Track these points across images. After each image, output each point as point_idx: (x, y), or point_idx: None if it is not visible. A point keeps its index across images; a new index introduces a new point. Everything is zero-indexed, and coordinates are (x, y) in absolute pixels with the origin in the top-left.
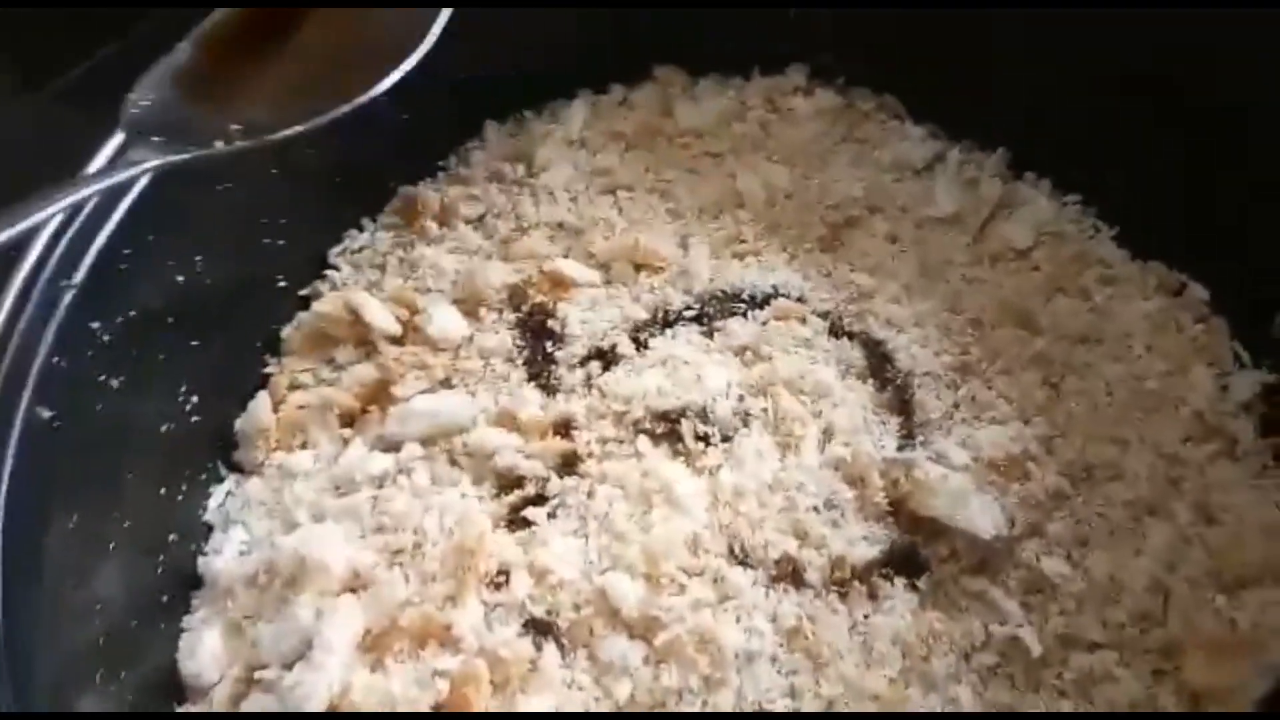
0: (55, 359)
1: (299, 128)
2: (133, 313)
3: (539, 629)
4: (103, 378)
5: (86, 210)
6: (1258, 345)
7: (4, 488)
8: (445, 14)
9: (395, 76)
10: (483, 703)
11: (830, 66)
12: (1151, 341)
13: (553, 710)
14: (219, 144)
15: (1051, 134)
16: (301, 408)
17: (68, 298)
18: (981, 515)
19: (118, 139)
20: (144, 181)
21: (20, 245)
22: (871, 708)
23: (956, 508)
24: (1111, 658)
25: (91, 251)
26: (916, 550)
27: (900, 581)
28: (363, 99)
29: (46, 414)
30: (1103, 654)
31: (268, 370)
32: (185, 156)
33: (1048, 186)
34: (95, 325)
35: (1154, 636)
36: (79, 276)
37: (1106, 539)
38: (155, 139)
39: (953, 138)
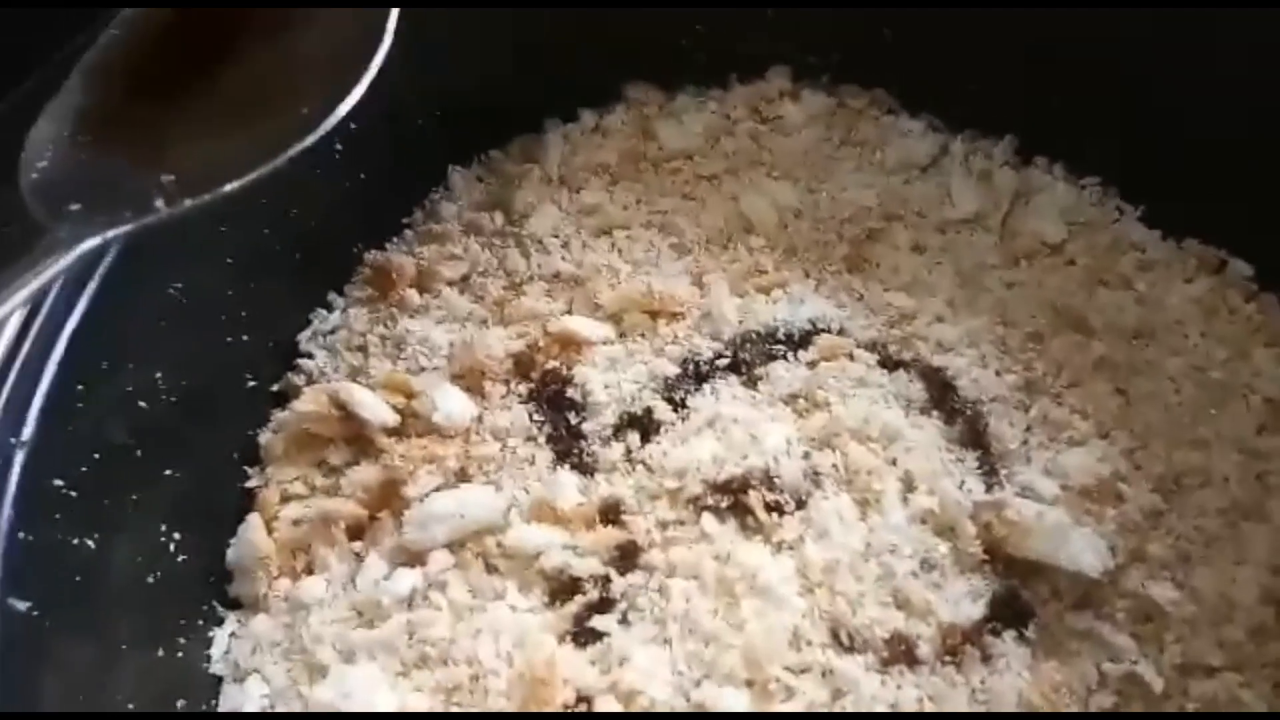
0: (20, 534)
1: (252, 174)
2: (96, 455)
3: None
4: (75, 541)
5: (24, 349)
6: None
7: None
8: (395, 14)
9: (357, 92)
10: None
11: (813, 65)
12: (1205, 328)
13: None
14: (159, 204)
15: (1057, 113)
16: (298, 523)
17: (20, 458)
18: (1085, 551)
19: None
20: (83, 304)
21: None
22: None
23: (1058, 546)
24: (1234, 680)
25: (38, 397)
26: (1018, 595)
27: (1009, 634)
28: (325, 125)
29: (21, 606)
30: (1224, 677)
31: (251, 484)
32: (124, 228)
33: (1062, 170)
34: (58, 483)
35: (1272, 650)
36: (28, 431)
37: (1207, 553)
38: (73, 207)
39: (953, 128)
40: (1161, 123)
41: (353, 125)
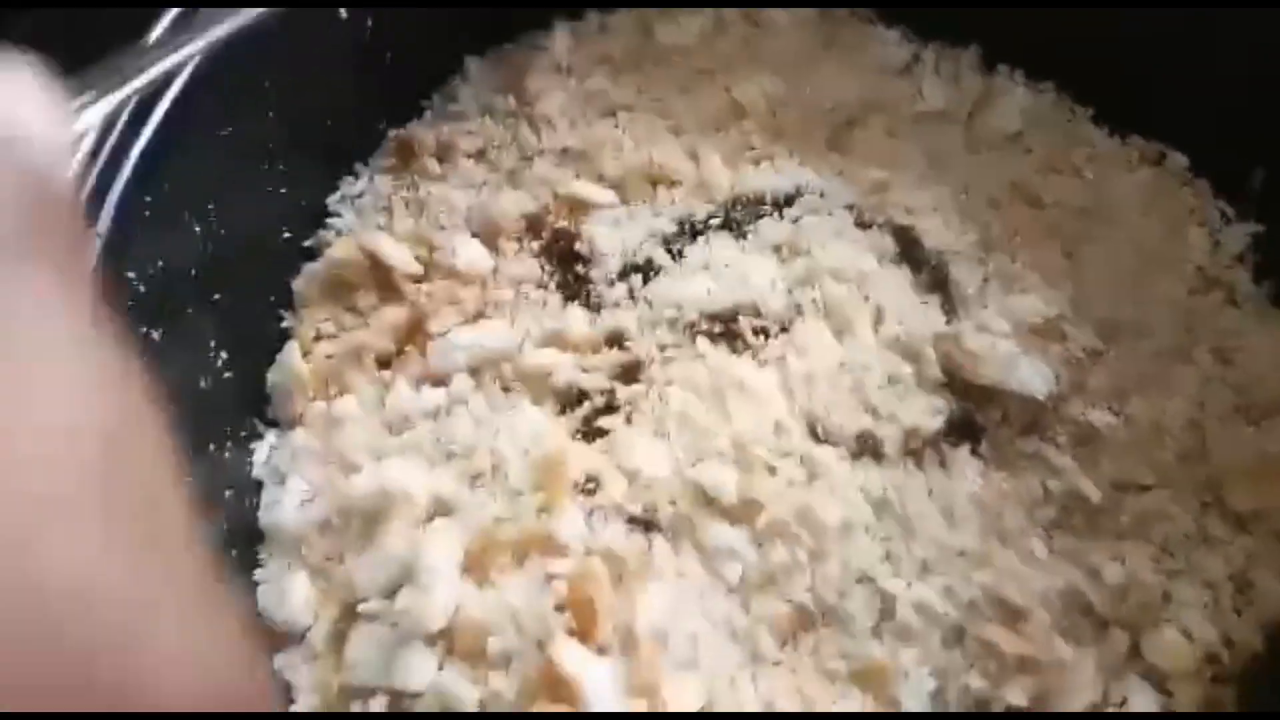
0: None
1: None
2: (160, 263)
3: (642, 526)
4: (144, 329)
5: (102, 158)
6: (1240, 201)
7: None
8: None
9: None
10: (605, 598)
11: None
12: (1145, 208)
13: (669, 599)
14: None
15: (1017, 29)
16: (330, 357)
17: (98, 245)
18: (1032, 376)
19: None
20: (151, 125)
21: None
22: (960, 564)
23: (1008, 372)
24: (1163, 496)
25: (112, 200)
26: (973, 416)
27: (964, 448)
28: None
29: None
30: (1155, 493)
31: (285, 324)
32: None
33: (1022, 77)
34: (130, 275)
35: (1197, 472)
36: (104, 226)
37: (1141, 388)
38: None
39: (924, 39)
40: (1109, 33)
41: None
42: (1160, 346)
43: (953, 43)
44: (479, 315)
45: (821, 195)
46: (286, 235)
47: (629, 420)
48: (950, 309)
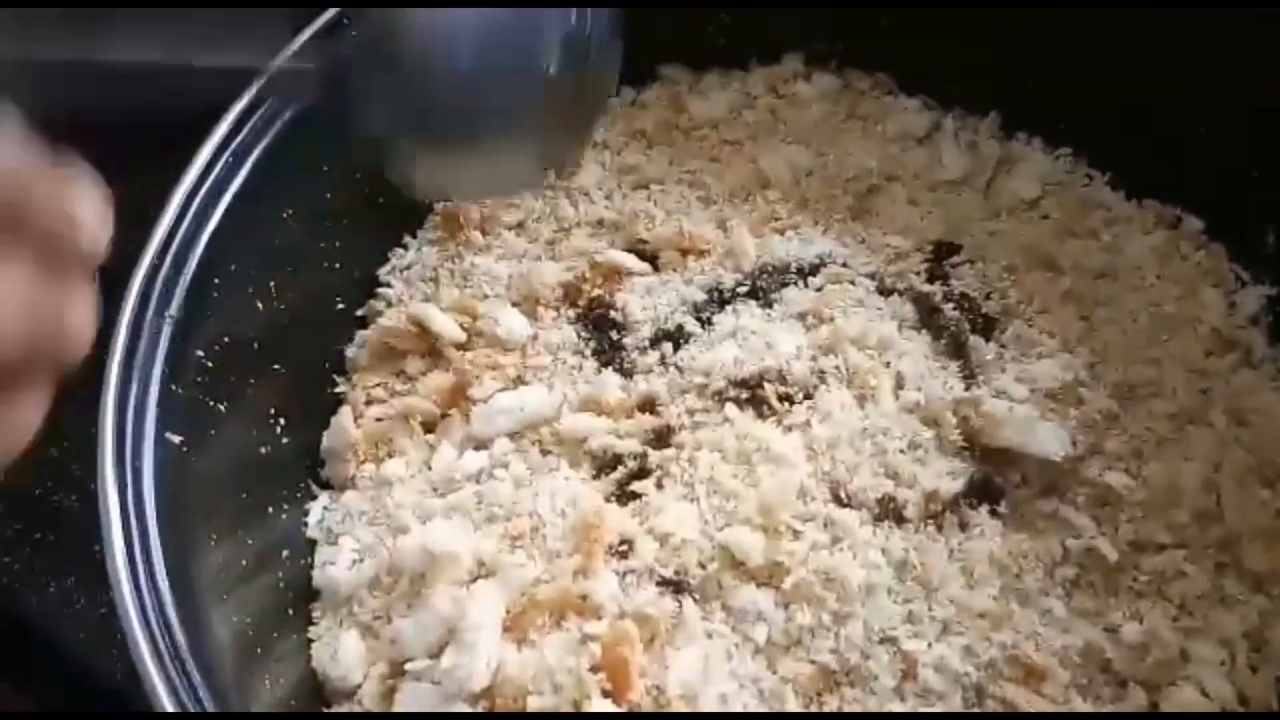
0: (171, 386)
1: None
2: (226, 338)
3: (672, 588)
4: (211, 403)
5: (175, 243)
6: (1255, 264)
7: (154, 513)
8: None
9: None
10: (637, 659)
11: (823, 52)
12: (1161, 271)
13: (699, 660)
14: None
15: (1036, 96)
16: (380, 420)
17: (169, 329)
18: (1049, 440)
19: None
20: (219, 212)
21: (120, 282)
22: (981, 625)
23: (1026, 435)
24: (1179, 556)
25: (184, 282)
26: (992, 479)
27: (984, 509)
28: None
29: (176, 439)
30: (1170, 553)
31: (339, 390)
32: None
33: (1040, 144)
34: (199, 353)
35: (1213, 533)
36: (175, 308)
37: (1157, 450)
38: None
39: (944, 107)
40: (1126, 100)
41: None
42: (1176, 408)
43: (972, 110)
44: (519, 380)
45: (844, 264)
46: (340, 305)
47: (660, 484)
48: (969, 374)
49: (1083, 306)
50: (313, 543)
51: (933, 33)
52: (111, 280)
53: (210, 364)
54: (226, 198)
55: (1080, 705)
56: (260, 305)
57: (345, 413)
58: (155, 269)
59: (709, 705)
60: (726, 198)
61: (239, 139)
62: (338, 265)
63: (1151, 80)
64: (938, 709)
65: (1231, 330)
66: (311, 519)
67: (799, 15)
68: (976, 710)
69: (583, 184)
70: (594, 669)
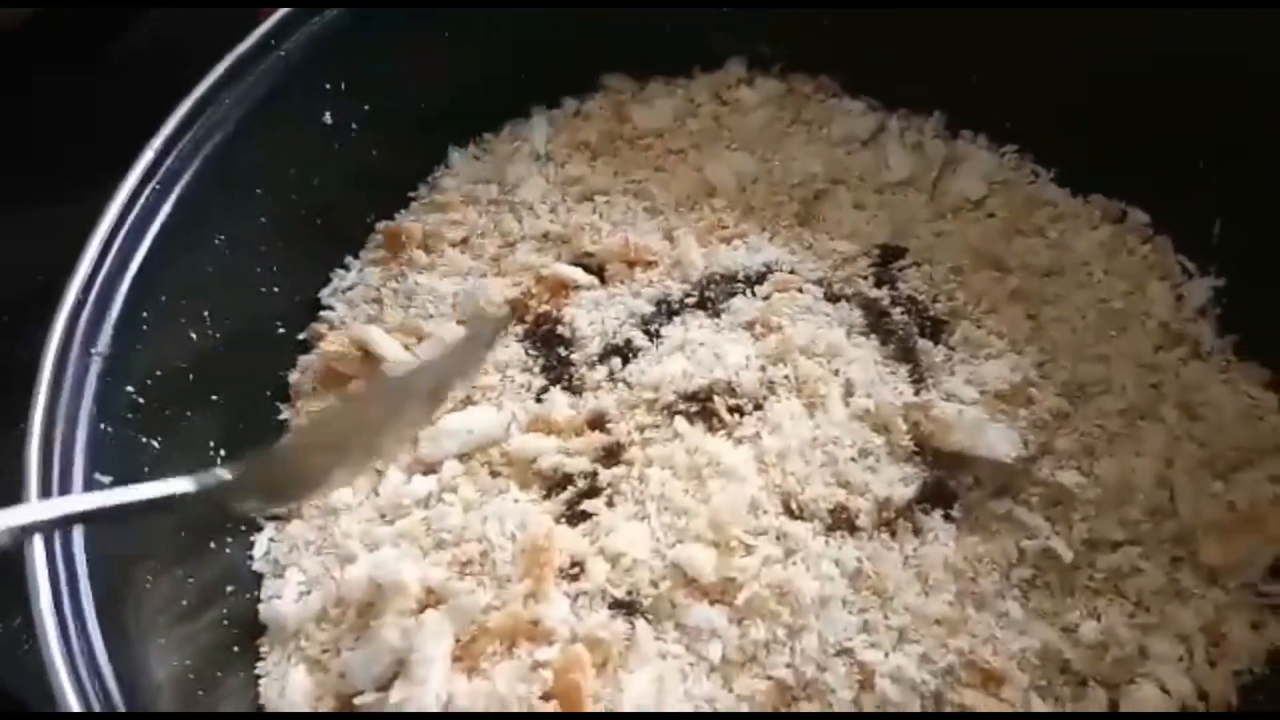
0: (101, 425)
1: None
2: (159, 372)
3: (625, 609)
4: (145, 439)
5: (100, 277)
6: (1201, 255)
7: (83, 557)
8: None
9: None
10: (589, 684)
11: (766, 56)
12: (1108, 266)
13: (652, 682)
14: None
15: (980, 93)
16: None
17: (97, 366)
18: (999, 441)
19: None
20: (147, 243)
21: (43, 318)
22: (938, 631)
23: (976, 438)
24: (1134, 552)
25: (111, 318)
26: (945, 482)
27: (937, 513)
28: None
29: (107, 480)
30: (1125, 550)
31: (283, 417)
32: None
33: (985, 141)
34: (129, 389)
35: (1167, 528)
36: (104, 344)
37: (1109, 447)
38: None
39: (889, 107)
40: (1070, 96)
41: (366, 107)
42: (1126, 404)
43: (916, 110)
44: (467, 401)
45: (791, 271)
46: (281, 330)
47: (610, 502)
48: (919, 378)
49: (1030, 305)
50: (259, 576)
51: (875, 33)
52: (35, 316)
53: (142, 399)
54: (154, 226)
55: (1040, 707)
56: (194, 335)
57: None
58: (80, 304)
59: None
60: (673, 207)
61: (165, 166)
62: (276, 289)
63: (1093, 75)
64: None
65: (1180, 323)
66: (257, 551)
67: (740, 18)
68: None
69: (526, 197)
70: (546, 696)
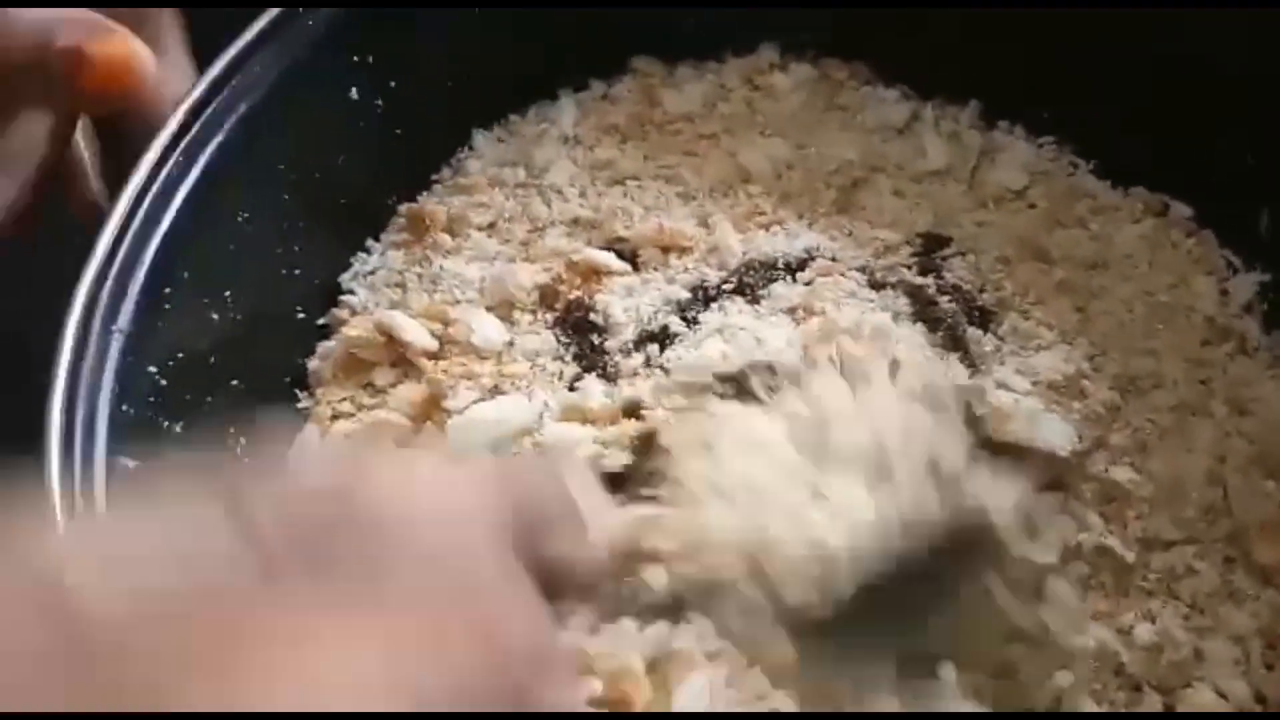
0: (122, 406)
1: None
2: (180, 354)
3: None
4: (165, 423)
5: (123, 251)
6: (1246, 250)
7: None
8: None
9: None
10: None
11: (799, 42)
12: (1151, 259)
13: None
14: None
15: (1016, 84)
16: (349, 437)
17: (118, 343)
18: (1056, 433)
19: None
20: (168, 218)
21: (63, 294)
22: None
23: (1033, 429)
24: (1189, 552)
25: (132, 294)
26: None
27: None
28: None
29: (130, 464)
30: (1180, 550)
31: (302, 405)
32: None
33: (1022, 132)
34: (151, 370)
35: (1221, 527)
36: (125, 321)
37: (1160, 443)
38: None
39: (924, 96)
40: (1108, 87)
41: (393, 84)
42: (1176, 400)
43: (951, 100)
44: (496, 390)
45: (833, 258)
46: (301, 315)
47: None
48: (969, 366)
49: (1077, 297)
50: None
51: (908, 21)
52: (54, 292)
53: (164, 381)
54: (176, 200)
55: (1092, 709)
56: (215, 316)
57: (310, 430)
58: (101, 279)
59: None
60: (706, 193)
61: (189, 136)
62: (297, 271)
63: (1133, 66)
64: None
65: (1226, 319)
66: None
67: (774, 6)
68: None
69: (555, 181)
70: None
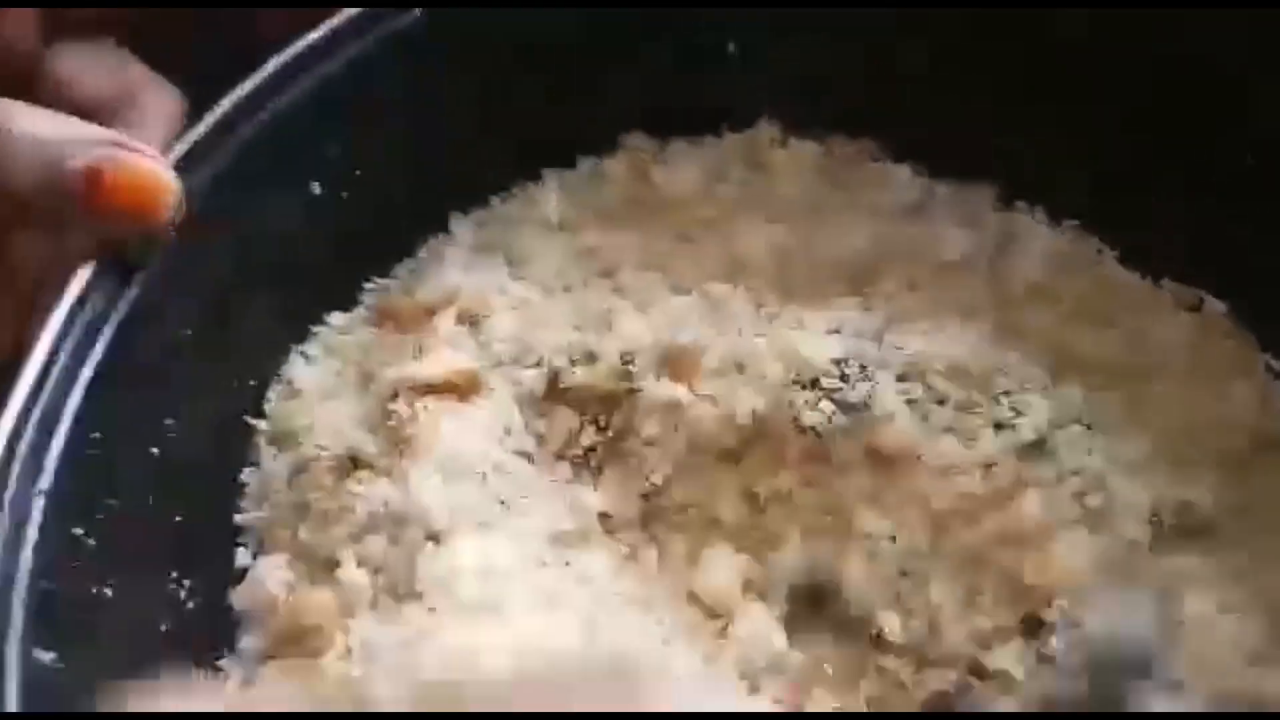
0: (42, 583)
1: None
2: (112, 502)
3: None
4: (95, 590)
5: (42, 400)
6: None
7: None
8: None
9: None
10: None
11: (801, 117)
12: (1190, 362)
13: None
14: None
15: (1034, 162)
16: None
17: (40, 505)
18: None
19: None
20: (100, 349)
21: None
22: None
23: None
24: None
25: (55, 448)
26: None
27: None
28: None
29: (47, 657)
30: None
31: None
32: None
33: (1043, 214)
34: (78, 531)
35: None
36: (47, 480)
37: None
38: None
39: (935, 175)
40: (1132, 168)
41: (359, 173)
42: None
43: (964, 178)
44: None
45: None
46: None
47: None
48: None
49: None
50: None
51: (916, 95)
52: None
53: (92, 542)
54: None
55: None
56: (155, 452)
57: (261, 565)
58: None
59: None
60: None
61: None
62: (252, 383)
63: (1160, 143)
64: None
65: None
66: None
67: (774, 78)
68: None
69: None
70: None
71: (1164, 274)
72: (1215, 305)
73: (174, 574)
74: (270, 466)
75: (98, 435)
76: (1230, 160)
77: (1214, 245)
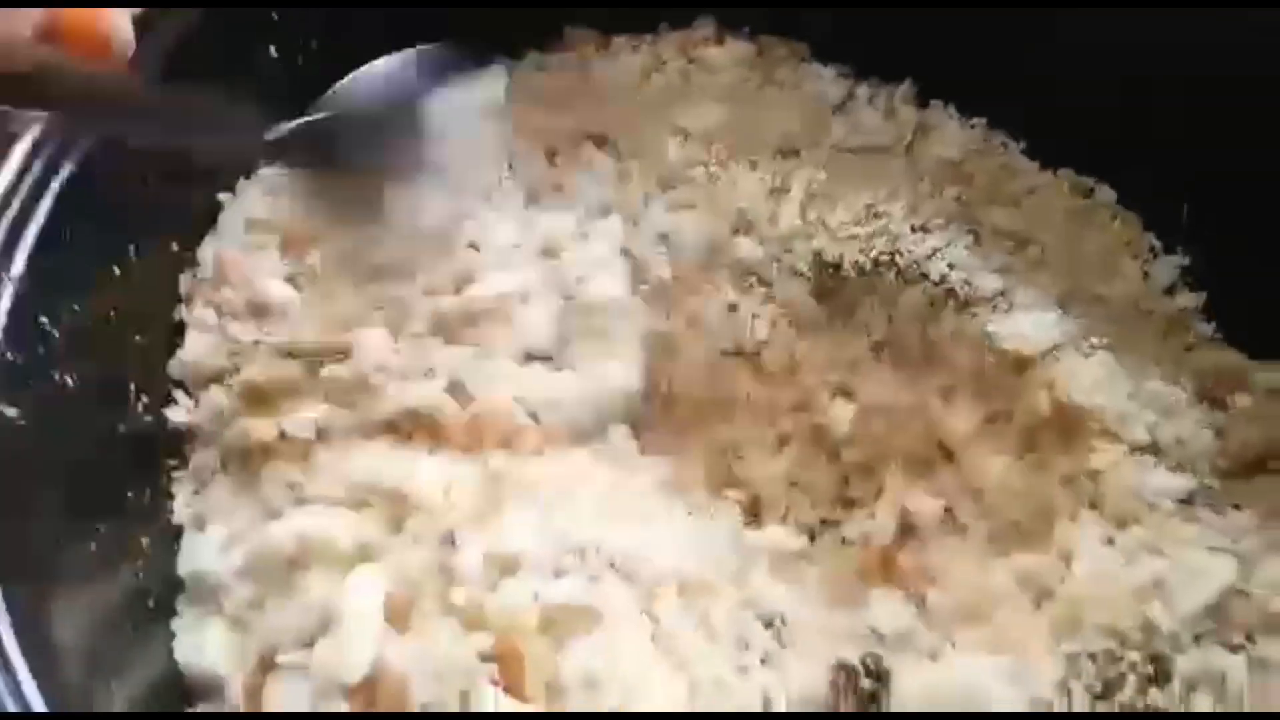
0: (7, 354)
1: None
2: (76, 306)
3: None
4: (57, 375)
5: (19, 198)
6: (1168, 235)
7: None
8: None
9: None
10: (533, 648)
11: (735, 17)
12: (1078, 240)
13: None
14: None
15: (949, 65)
16: None
17: (10, 291)
18: None
19: None
20: (71, 163)
21: None
22: None
23: None
24: None
25: (27, 241)
26: None
27: None
28: None
29: (10, 411)
30: None
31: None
32: None
33: (954, 111)
34: (43, 320)
35: None
36: (17, 269)
37: None
38: None
39: (859, 75)
40: (1038, 70)
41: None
42: None
43: (886, 79)
44: None
45: None
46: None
47: None
48: None
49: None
50: (179, 529)
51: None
52: None
53: (55, 333)
54: None
55: None
56: (117, 271)
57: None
58: None
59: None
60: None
61: None
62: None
63: (1065, 48)
64: None
65: (1148, 302)
66: (178, 504)
67: None
68: None
69: None
70: (485, 658)
71: (1062, 165)
72: (1106, 192)
73: (133, 386)
74: None
75: (67, 238)
76: (1132, 64)
77: (1108, 140)
